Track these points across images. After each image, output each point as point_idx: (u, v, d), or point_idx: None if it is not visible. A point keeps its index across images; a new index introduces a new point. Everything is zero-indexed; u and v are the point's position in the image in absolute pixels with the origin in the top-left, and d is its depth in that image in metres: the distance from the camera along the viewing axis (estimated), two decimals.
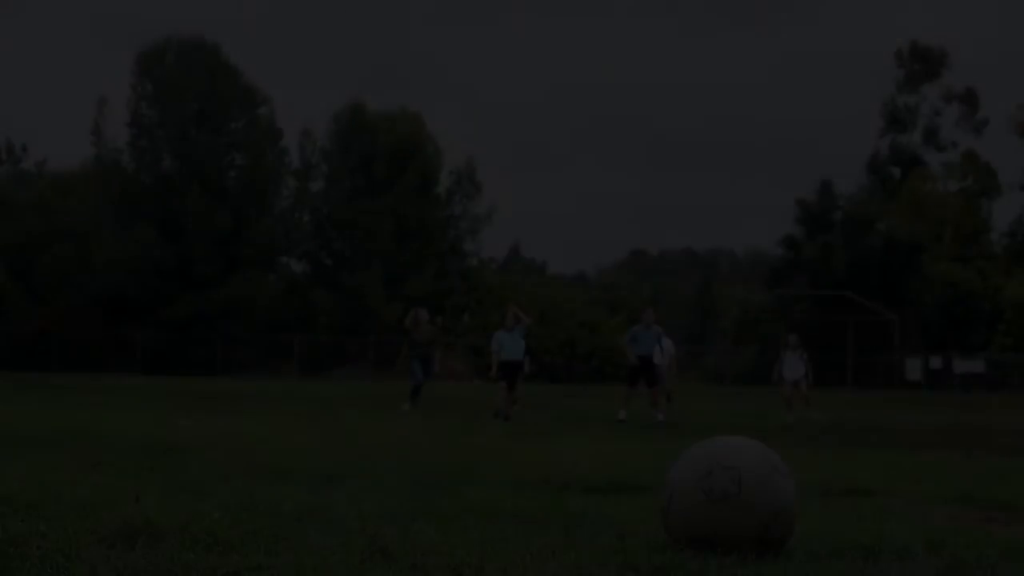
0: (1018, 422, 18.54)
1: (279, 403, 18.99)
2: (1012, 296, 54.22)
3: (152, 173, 51.40)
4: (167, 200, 49.57)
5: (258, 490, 3.46)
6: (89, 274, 47.35)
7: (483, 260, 61.63)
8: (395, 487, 4.32)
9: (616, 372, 54.32)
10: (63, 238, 48.35)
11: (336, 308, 53.03)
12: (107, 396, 19.02)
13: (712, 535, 2.55)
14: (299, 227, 54.93)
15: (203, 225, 48.41)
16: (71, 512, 2.36)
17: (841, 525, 3.67)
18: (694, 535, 2.57)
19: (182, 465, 4.60)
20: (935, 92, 64.99)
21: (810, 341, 50.96)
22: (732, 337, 56.01)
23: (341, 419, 12.91)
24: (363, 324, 51.54)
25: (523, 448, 9.04)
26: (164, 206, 49.11)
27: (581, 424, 14.41)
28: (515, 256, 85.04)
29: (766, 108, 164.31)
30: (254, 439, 8.61)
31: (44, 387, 23.50)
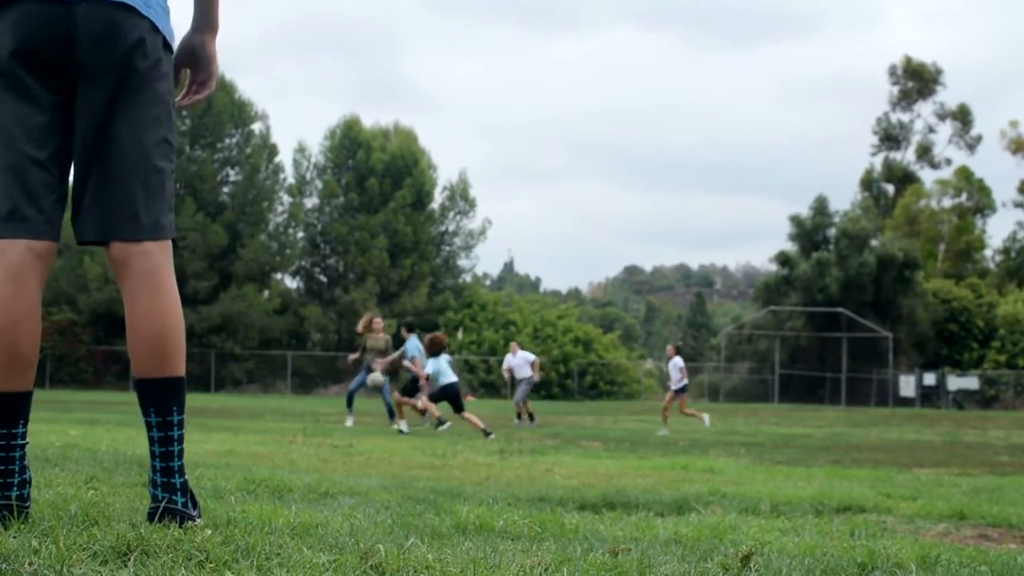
0: (1012, 438, 18.56)
1: (272, 419, 18.96)
2: (1005, 313, 54.39)
3: None
4: None
5: (251, 506, 3.45)
6: (82, 290, 47.31)
7: (477, 276, 61.70)
8: (388, 504, 4.32)
9: (610, 389, 54.42)
10: (56, 254, 48.33)
11: (329, 325, 53.02)
12: (100, 412, 18.97)
13: None
14: (293, 243, 54.94)
15: (197, 241, 48.42)
16: (63, 528, 2.36)
17: (835, 542, 3.67)
18: None
19: None
20: (928, 109, 65.38)
21: (804, 358, 50.76)
22: (725, 354, 56.02)
23: (334, 435, 12.88)
24: (356, 341, 51.57)
25: (516, 465, 9.03)
26: None
27: (575, 441, 14.39)
28: (509, 272, 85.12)
29: (760, 126, 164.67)
30: (247, 455, 8.59)
31: (36, 403, 23.41)
